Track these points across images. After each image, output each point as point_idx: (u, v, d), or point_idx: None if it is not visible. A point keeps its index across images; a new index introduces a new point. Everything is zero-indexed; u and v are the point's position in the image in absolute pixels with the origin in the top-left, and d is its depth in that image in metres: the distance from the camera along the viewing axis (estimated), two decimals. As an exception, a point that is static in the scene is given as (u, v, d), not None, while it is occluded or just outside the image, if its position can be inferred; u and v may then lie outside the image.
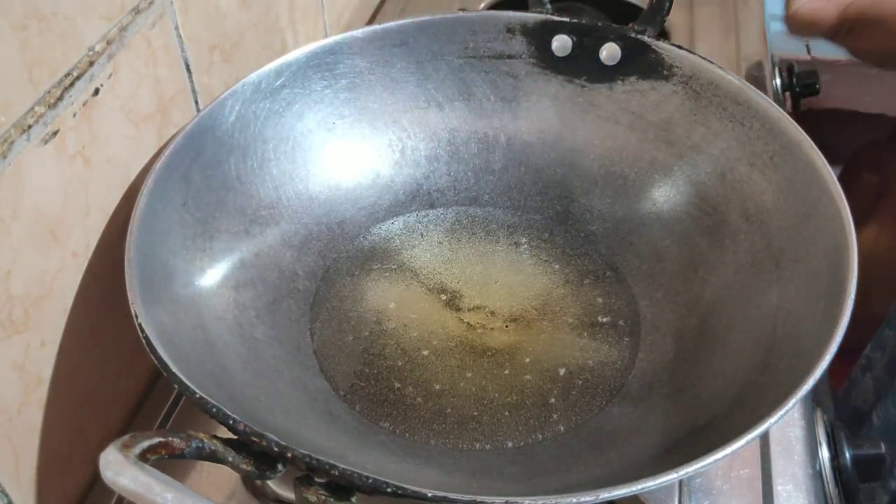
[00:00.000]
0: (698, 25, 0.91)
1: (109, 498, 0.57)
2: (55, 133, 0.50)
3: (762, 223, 0.60)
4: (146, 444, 0.37)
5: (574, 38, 0.70)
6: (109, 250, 0.57)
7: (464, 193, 0.72)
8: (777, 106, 0.62)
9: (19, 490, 0.51)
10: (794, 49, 1.20)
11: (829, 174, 0.57)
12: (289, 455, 0.41)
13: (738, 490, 0.55)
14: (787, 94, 0.97)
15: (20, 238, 0.48)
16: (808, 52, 1.20)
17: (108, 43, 0.54)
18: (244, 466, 0.42)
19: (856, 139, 1.32)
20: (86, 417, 0.57)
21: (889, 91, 1.19)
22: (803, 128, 0.59)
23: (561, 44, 0.71)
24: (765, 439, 0.58)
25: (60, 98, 0.50)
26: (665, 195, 0.67)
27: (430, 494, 0.40)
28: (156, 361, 0.45)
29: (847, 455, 0.58)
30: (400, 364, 0.60)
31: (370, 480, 0.40)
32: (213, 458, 0.41)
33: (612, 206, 0.69)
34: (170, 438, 0.38)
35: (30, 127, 0.48)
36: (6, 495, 0.50)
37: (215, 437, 0.41)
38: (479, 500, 0.40)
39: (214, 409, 0.42)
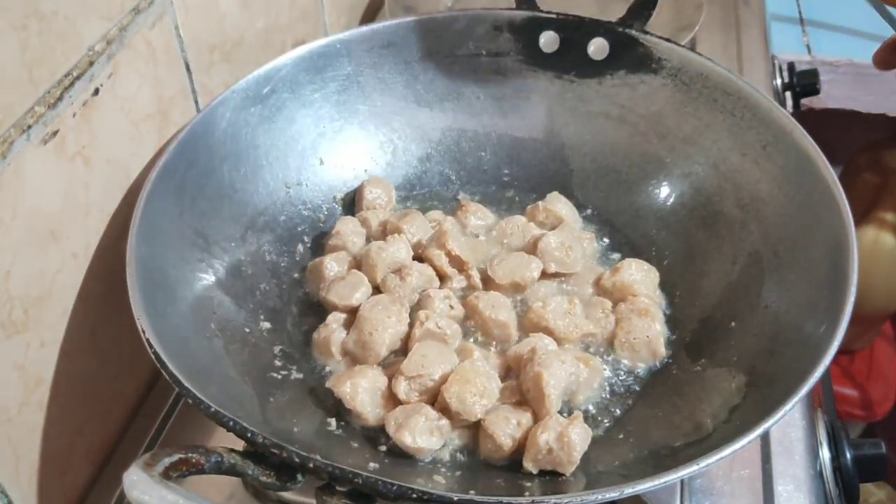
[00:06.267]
0: (699, 25, 0.91)
1: (109, 498, 0.57)
2: (55, 133, 0.50)
3: (758, 213, 0.60)
4: (167, 461, 0.37)
5: (561, 34, 0.70)
6: (109, 251, 0.57)
7: (457, 193, 0.72)
8: (768, 96, 0.62)
9: (19, 490, 0.51)
10: (795, 49, 1.20)
11: (823, 162, 0.57)
12: (311, 465, 0.40)
13: (738, 490, 0.55)
14: (788, 93, 0.97)
15: (20, 238, 0.48)
16: (809, 52, 1.20)
17: (108, 43, 0.54)
18: (264, 479, 0.41)
19: (856, 139, 1.32)
20: (86, 417, 0.57)
21: (889, 91, 1.19)
22: (803, 128, 0.59)
23: (548, 40, 0.71)
24: (765, 439, 0.58)
25: (60, 98, 0.50)
26: (658, 188, 0.67)
27: (455, 498, 0.40)
28: (167, 377, 0.45)
29: (848, 455, 0.57)
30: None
31: (395, 487, 0.40)
32: (233, 471, 0.41)
33: (606, 199, 0.69)
34: (189, 455, 0.38)
35: (30, 127, 0.48)
36: (6, 495, 0.50)
37: (233, 450, 0.41)
38: (504, 500, 0.40)
39: (232, 423, 0.42)
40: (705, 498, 0.54)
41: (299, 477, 0.42)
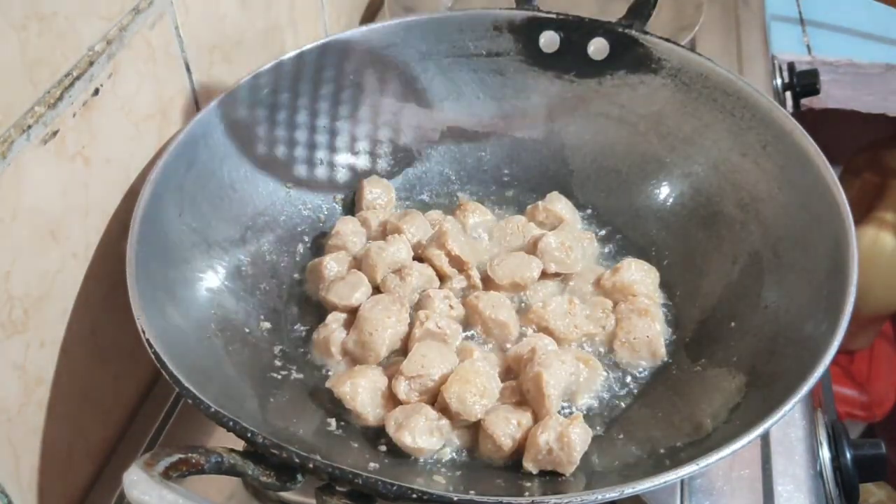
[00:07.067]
0: (699, 25, 0.91)
1: (109, 498, 0.57)
2: (55, 133, 0.50)
3: (758, 212, 0.60)
4: (167, 461, 0.37)
5: (561, 34, 0.70)
6: (109, 251, 0.57)
7: (457, 193, 0.72)
8: (768, 96, 0.63)
9: (19, 490, 0.51)
10: (795, 49, 1.20)
11: (823, 162, 0.57)
12: (310, 465, 0.41)
13: (738, 490, 0.55)
14: (788, 93, 0.97)
15: (20, 238, 0.48)
16: (809, 52, 1.20)
17: (108, 43, 0.54)
18: (264, 479, 0.41)
19: (856, 139, 1.32)
20: (86, 417, 0.57)
21: (889, 91, 1.19)
22: (803, 128, 0.59)
23: (548, 40, 0.71)
24: (765, 439, 0.58)
25: (60, 98, 0.50)
26: (658, 188, 0.67)
27: (455, 498, 0.40)
28: (167, 377, 0.45)
29: (848, 455, 0.57)
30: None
31: (395, 487, 0.40)
32: (233, 471, 0.41)
33: (606, 200, 0.69)
34: (189, 455, 0.38)
35: (30, 127, 0.48)
36: (6, 495, 0.50)
37: (233, 450, 0.41)
38: (504, 500, 0.40)
39: (232, 423, 0.42)
40: (705, 498, 0.55)
41: (299, 477, 0.42)
